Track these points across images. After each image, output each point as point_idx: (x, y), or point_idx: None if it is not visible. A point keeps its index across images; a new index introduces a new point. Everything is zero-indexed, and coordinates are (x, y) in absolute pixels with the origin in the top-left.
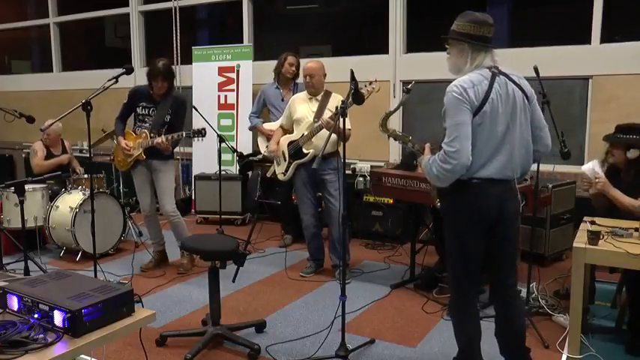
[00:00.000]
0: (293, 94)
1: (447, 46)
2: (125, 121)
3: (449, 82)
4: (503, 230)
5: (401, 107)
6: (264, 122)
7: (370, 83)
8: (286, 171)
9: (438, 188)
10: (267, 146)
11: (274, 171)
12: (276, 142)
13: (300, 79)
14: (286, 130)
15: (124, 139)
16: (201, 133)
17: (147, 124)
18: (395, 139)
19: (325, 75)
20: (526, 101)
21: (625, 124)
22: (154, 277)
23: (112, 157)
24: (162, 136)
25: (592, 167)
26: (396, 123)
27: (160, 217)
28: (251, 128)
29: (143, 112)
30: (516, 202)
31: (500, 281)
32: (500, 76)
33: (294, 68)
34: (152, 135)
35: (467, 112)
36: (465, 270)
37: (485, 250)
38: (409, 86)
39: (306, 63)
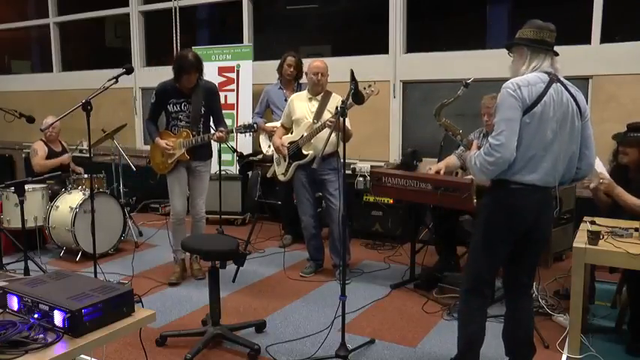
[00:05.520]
0: None
1: (510, 55)
2: (156, 121)
3: (448, 82)
4: (535, 235)
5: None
6: (266, 122)
7: (369, 86)
8: (286, 172)
9: (477, 187)
10: (269, 146)
11: (274, 171)
12: (280, 136)
13: (304, 79)
14: (287, 128)
15: (161, 139)
16: (253, 127)
17: (183, 122)
18: (445, 130)
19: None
20: (579, 115)
21: (636, 123)
22: (153, 277)
23: (147, 160)
24: (217, 131)
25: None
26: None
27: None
28: None
29: (175, 108)
30: (552, 209)
31: (515, 277)
32: (558, 84)
33: (292, 69)
34: (194, 133)
35: (517, 110)
36: (488, 267)
37: (512, 248)
38: (468, 81)
39: (312, 62)
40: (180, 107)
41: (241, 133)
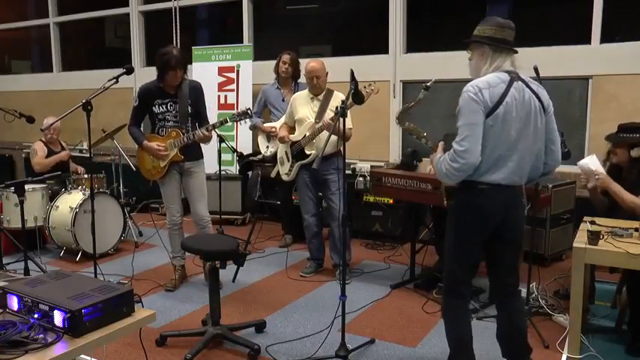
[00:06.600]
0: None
1: (468, 52)
2: (140, 125)
3: (448, 82)
4: (506, 234)
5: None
6: (264, 122)
7: (369, 85)
8: (290, 171)
9: (446, 188)
10: (267, 147)
11: (278, 171)
12: (286, 130)
13: (302, 79)
14: (291, 127)
15: (149, 142)
16: (247, 114)
17: (171, 122)
18: (410, 133)
19: (327, 73)
20: (542, 112)
21: (628, 124)
22: (153, 277)
23: (135, 168)
24: (201, 128)
25: (587, 162)
26: (394, 122)
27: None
28: (251, 127)
29: (161, 109)
30: (521, 208)
31: (500, 280)
32: (519, 82)
33: (287, 66)
34: (184, 131)
35: (480, 113)
36: (461, 267)
37: (488, 250)
38: (428, 84)
39: (307, 63)
40: (167, 107)
41: (237, 120)
